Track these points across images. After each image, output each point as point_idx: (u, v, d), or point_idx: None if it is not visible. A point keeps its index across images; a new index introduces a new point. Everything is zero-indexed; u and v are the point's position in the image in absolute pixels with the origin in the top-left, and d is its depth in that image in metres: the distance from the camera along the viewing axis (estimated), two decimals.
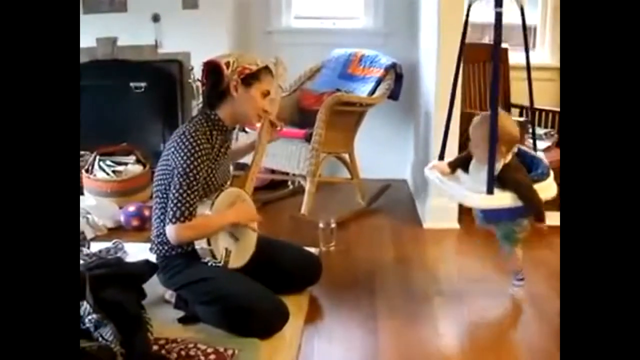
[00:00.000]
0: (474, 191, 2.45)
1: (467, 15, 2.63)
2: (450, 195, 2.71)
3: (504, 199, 2.42)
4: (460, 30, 2.71)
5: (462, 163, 2.67)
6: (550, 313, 2.60)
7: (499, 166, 2.45)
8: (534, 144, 2.90)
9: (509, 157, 2.49)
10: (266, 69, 2.54)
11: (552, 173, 2.54)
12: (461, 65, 2.77)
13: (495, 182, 2.39)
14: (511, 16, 4.56)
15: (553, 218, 3.63)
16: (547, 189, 2.49)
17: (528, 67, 2.71)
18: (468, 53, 3.38)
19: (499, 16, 2.38)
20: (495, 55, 2.45)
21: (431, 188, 3.56)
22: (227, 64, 2.47)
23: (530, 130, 3.90)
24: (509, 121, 2.55)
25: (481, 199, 2.43)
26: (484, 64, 4.16)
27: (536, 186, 2.45)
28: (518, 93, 4.29)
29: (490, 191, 2.37)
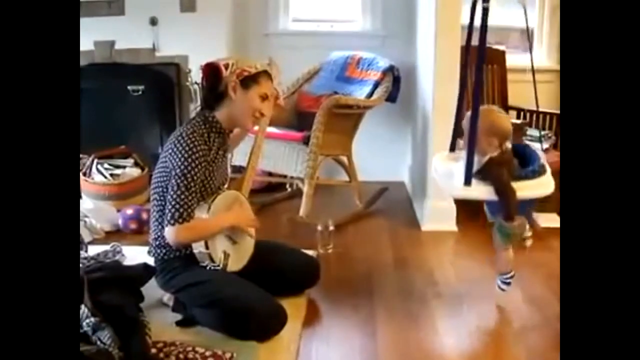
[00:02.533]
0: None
1: (473, 13, 2.61)
2: (438, 182, 2.69)
3: (480, 192, 2.45)
4: (457, 33, 2.71)
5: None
6: (549, 315, 2.60)
7: (484, 159, 2.47)
8: (541, 141, 2.89)
9: (497, 151, 2.49)
10: (265, 72, 2.54)
11: (548, 170, 2.53)
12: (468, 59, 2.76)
13: (479, 174, 2.42)
14: (509, 18, 4.57)
15: (552, 220, 3.67)
16: (542, 185, 2.49)
17: (532, 69, 2.71)
18: (465, 55, 3.39)
19: (485, 11, 2.39)
20: (480, 53, 2.44)
21: (429, 190, 3.57)
22: (226, 66, 2.47)
23: (528, 132, 3.93)
24: (502, 116, 2.58)
25: (457, 189, 2.47)
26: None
27: (532, 182, 2.46)
28: (515, 95, 4.30)
29: (467, 182, 2.41)
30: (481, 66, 2.53)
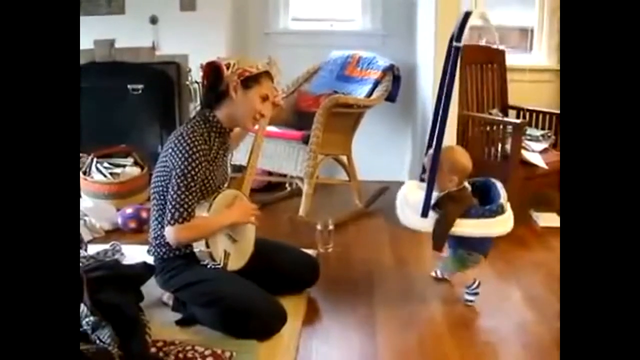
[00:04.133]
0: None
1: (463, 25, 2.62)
2: (397, 210, 2.74)
3: (430, 223, 2.59)
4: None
5: None
6: (548, 315, 2.60)
7: (442, 194, 2.61)
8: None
9: (455, 188, 2.61)
10: (267, 73, 2.54)
11: (508, 210, 2.59)
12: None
13: (435, 207, 2.59)
14: (508, 19, 4.58)
15: (552, 219, 3.67)
16: (497, 225, 2.56)
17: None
18: (465, 55, 3.39)
19: (456, 51, 2.51)
20: (449, 88, 2.57)
21: None
22: (228, 66, 2.47)
23: (527, 132, 3.94)
24: (464, 155, 2.69)
25: (411, 220, 2.64)
26: (481, 66, 4.17)
27: (489, 221, 2.54)
28: (515, 95, 4.30)
29: (424, 214, 2.58)
30: (447, 105, 2.61)
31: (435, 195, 2.59)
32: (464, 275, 2.74)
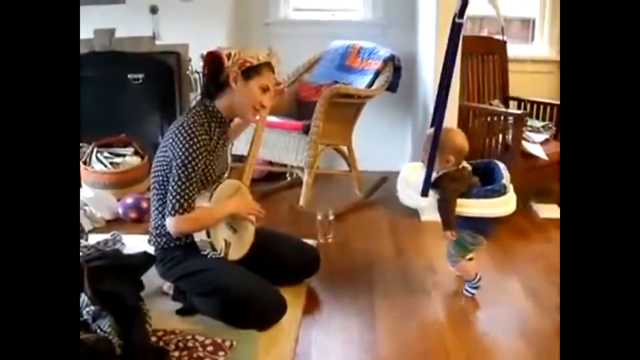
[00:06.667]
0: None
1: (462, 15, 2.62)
2: (398, 190, 2.77)
3: (430, 203, 2.60)
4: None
5: None
6: (548, 306, 2.61)
7: (440, 173, 2.61)
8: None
9: (453, 168, 2.61)
10: (267, 64, 2.53)
11: (510, 191, 2.58)
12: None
13: (434, 186, 2.59)
14: (509, 9, 4.56)
15: (552, 211, 3.67)
16: (499, 205, 2.55)
17: None
18: (466, 45, 3.38)
19: (458, 27, 2.49)
20: (451, 63, 2.54)
21: None
22: (229, 56, 2.46)
23: (528, 123, 3.93)
24: (459, 135, 2.69)
25: (412, 198, 2.66)
26: (482, 57, 4.16)
27: (492, 201, 2.54)
28: (516, 86, 4.29)
29: (424, 193, 2.59)
30: (449, 83, 2.60)
31: (434, 176, 2.59)
32: (467, 268, 2.73)
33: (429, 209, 2.63)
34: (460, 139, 2.65)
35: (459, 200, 2.54)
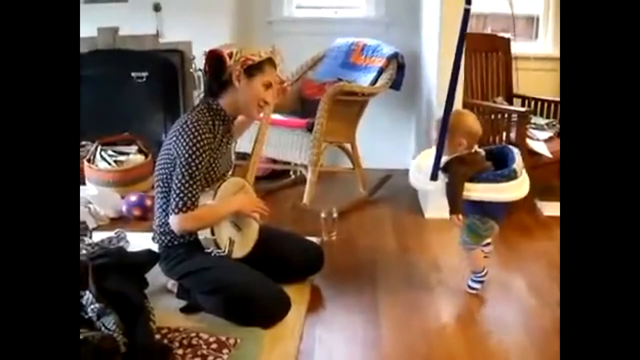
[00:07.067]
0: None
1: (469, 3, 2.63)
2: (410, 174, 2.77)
3: (439, 185, 2.57)
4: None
5: None
6: (551, 303, 2.61)
7: (451, 156, 2.58)
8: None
9: (465, 151, 2.58)
10: (269, 60, 2.53)
11: (522, 175, 2.56)
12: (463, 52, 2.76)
13: (444, 169, 2.56)
14: (513, 7, 4.51)
15: (555, 209, 3.67)
16: (509, 190, 2.52)
17: None
18: (470, 43, 3.37)
19: (466, 13, 2.48)
20: (459, 50, 2.53)
21: None
22: (230, 54, 2.46)
23: (532, 121, 3.92)
24: (471, 118, 2.66)
25: (422, 182, 2.64)
26: (485, 54, 4.15)
27: (498, 186, 2.50)
28: (520, 83, 4.29)
29: (434, 177, 2.56)
30: (458, 67, 2.57)
31: (445, 159, 2.56)
32: (478, 259, 2.71)
33: (436, 190, 2.60)
34: (472, 121, 2.62)
35: (468, 185, 2.51)
